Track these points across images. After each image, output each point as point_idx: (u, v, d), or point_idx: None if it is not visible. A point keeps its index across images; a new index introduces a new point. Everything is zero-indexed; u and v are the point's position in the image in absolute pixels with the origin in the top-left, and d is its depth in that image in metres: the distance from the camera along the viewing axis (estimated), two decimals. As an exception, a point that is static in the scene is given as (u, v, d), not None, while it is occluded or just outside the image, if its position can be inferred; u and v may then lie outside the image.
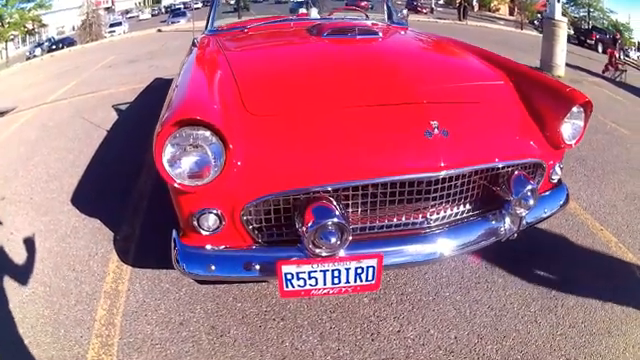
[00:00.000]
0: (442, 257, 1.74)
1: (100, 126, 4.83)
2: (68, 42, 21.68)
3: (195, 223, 1.61)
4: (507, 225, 1.85)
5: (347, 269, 1.56)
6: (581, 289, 2.17)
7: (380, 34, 2.60)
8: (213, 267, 1.62)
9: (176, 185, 1.49)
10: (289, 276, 1.55)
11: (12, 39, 20.99)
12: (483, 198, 1.87)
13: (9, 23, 21.04)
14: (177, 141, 1.49)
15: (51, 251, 2.59)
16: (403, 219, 1.75)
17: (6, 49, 20.56)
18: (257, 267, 1.61)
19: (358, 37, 2.44)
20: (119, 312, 2.08)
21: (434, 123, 1.69)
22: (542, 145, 1.90)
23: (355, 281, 1.60)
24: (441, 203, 1.76)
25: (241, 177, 1.57)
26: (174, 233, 1.74)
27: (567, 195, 2.15)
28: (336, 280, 1.59)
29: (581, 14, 23.15)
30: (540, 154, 1.88)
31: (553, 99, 1.93)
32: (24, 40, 21.83)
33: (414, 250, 1.71)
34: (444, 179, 1.67)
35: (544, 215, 2.04)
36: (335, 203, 1.55)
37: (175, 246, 1.70)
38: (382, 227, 1.74)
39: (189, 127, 1.48)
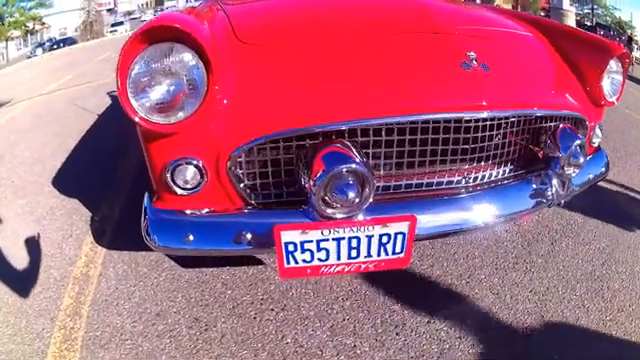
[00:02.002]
0: (485, 225, 1.28)
1: (92, 111, 4.37)
2: (69, 42, 21.01)
3: (169, 178, 1.15)
4: (555, 188, 1.41)
5: (369, 237, 1.09)
6: (624, 270, 1.78)
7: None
8: (191, 237, 1.15)
9: (137, 119, 1.03)
10: (291, 247, 1.08)
11: (12, 39, 20.34)
12: (527, 157, 1.44)
13: (9, 22, 20.33)
14: (147, 59, 1.03)
15: (25, 234, 2.13)
16: (436, 178, 1.29)
17: (6, 48, 19.90)
18: (248, 237, 1.13)
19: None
20: (87, 300, 1.62)
21: (471, 54, 1.27)
22: (583, 100, 1.52)
23: (379, 254, 1.13)
24: (481, 159, 1.31)
25: (227, 115, 1.11)
26: (145, 198, 1.28)
27: (608, 161, 1.75)
28: (354, 252, 1.12)
29: (585, 11, 22.67)
30: (581, 109, 1.48)
31: (590, 51, 1.58)
32: (25, 40, 21.19)
33: (451, 215, 1.25)
34: (485, 127, 1.23)
35: (589, 180, 1.62)
36: (353, 150, 1.09)
37: (146, 214, 1.24)
38: (410, 186, 1.27)
39: (165, 43, 1.03)
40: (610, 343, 1.41)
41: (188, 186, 1.15)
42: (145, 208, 1.25)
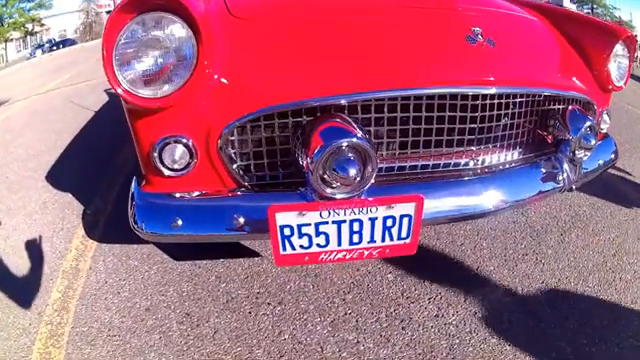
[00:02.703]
0: (494, 210, 1.18)
1: (89, 108, 4.26)
2: (69, 43, 20.61)
3: (156, 158, 1.04)
4: (566, 172, 1.32)
5: (372, 220, 0.99)
6: (635, 261, 1.68)
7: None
8: (180, 222, 1.04)
9: (119, 91, 0.93)
10: (287, 231, 0.98)
11: (12, 40, 19.91)
12: (536, 140, 1.36)
13: (9, 23, 19.81)
14: (135, 29, 0.94)
15: (16, 228, 2.04)
16: (443, 159, 1.19)
17: (5, 49, 19.47)
18: (241, 221, 1.03)
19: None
20: (75, 295, 1.52)
21: (476, 30, 1.19)
22: (590, 84, 1.44)
23: (383, 239, 1.02)
24: (489, 140, 1.21)
25: (218, 91, 1.01)
26: (133, 182, 1.18)
27: (616, 149, 1.67)
28: (356, 237, 1.01)
29: (585, 10, 22.33)
30: (589, 93, 1.41)
31: (596, 35, 1.51)
32: (24, 41, 20.75)
33: (458, 199, 1.14)
34: (492, 105, 1.14)
35: (599, 166, 1.54)
36: (354, 125, 0.99)
37: (133, 200, 1.14)
38: (415, 168, 1.17)
39: (154, 12, 0.94)
40: (625, 336, 1.30)
41: (176, 166, 1.05)
42: (133, 195, 1.15)
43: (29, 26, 20.71)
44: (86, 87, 5.83)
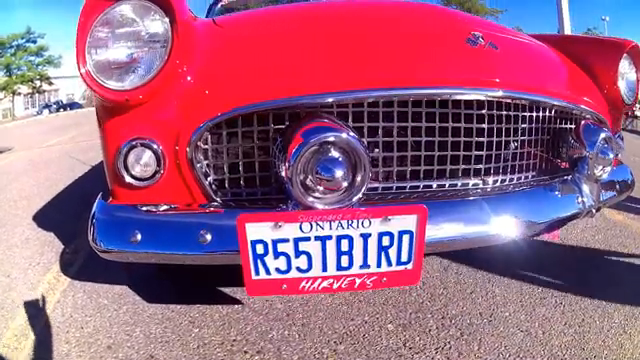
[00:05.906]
0: (506, 237, 0.98)
1: (86, 163, 4.23)
2: (76, 106, 21.30)
3: (121, 164, 0.89)
4: (585, 194, 1.14)
5: (364, 236, 0.79)
6: None
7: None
8: (139, 236, 0.86)
9: (82, 71, 0.83)
10: (260, 249, 0.78)
11: (19, 94, 20.26)
12: (550, 163, 1.21)
13: (17, 75, 19.77)
14: (113, 14, 0.86)
15: (-7, 258, 1.92)
16: (447, 180, 1.02)
17: (12, 102, 19.80)
18: (208, 237, 0.84)
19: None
20: (38, 324, 1.34)
21: (476, 33, 1.08)
22: (601, 104, 1.32)
23: (379, 263, 0.82)
24: (498, 158, 1.06)
25: (191, 94, 0.89)
26: (99, 197, 1.02)
27: (633, 178, 1.47)
28: (345, 260, 0.81)
29: None
30: (601, 110, 1.28)
31: (601, 51, 1.42)
32: (32, 97, 21.14)
33: (463, 223, 0.95)
34: (500, 117, 1.01)
35: (618, 191, 1.34)
36: (344, 126, 0.83)
37: (94, 214, 0.97)
38: (417, 188, 1.00)
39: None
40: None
41: (139, 174, 0.89)
42: (95, 210, 0.98)
43: (37, 82, 21.14)
44: (86, 145, 5.95)
